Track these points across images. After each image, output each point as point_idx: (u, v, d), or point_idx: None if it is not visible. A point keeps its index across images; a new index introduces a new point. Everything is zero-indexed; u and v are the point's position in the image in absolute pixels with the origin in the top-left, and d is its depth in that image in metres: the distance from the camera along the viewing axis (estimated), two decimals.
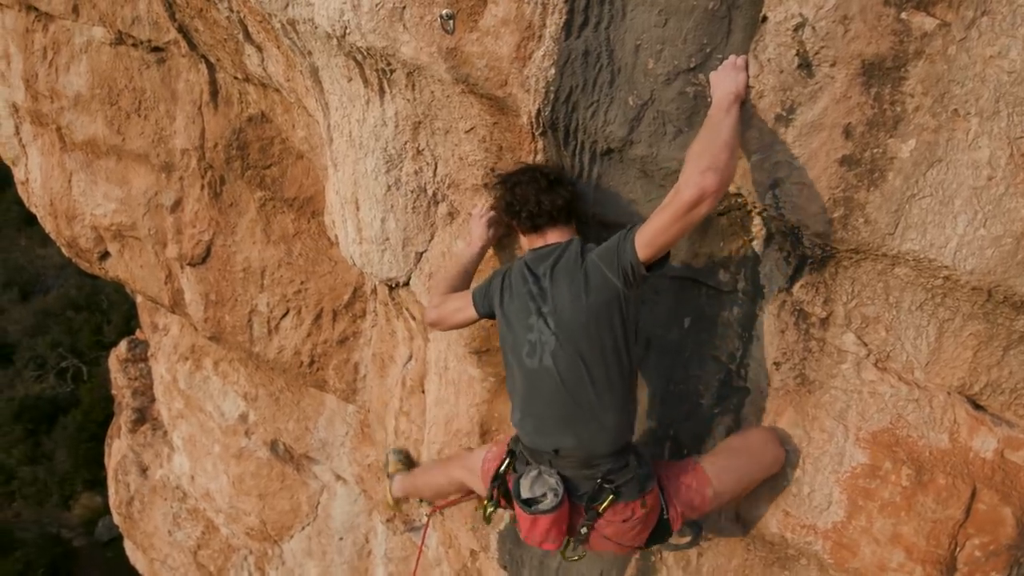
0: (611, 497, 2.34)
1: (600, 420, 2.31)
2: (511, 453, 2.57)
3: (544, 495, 2.34)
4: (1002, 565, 2.36)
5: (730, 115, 2.06)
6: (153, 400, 7.36)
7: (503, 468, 2.57)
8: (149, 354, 7.37)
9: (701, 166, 2.00)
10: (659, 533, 2.49)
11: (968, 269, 2.05)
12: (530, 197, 2.38)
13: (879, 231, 2.12)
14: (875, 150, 2.05)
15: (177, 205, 4.52)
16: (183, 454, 6.63)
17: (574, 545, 2.47)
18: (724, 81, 2.11)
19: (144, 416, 7.40)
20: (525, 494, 2.37)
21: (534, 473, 2.38)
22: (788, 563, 2.76)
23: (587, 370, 2.28)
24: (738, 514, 2.78)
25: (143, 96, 4.34)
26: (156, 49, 4.17)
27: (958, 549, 2.38)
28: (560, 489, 2.33)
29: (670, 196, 2.08)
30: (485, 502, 2.66)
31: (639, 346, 2.65)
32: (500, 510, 2.72)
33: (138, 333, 8.03)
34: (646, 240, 2.14)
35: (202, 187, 4.36)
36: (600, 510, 2.35)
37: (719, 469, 2.50)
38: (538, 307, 2.33)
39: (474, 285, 2.66)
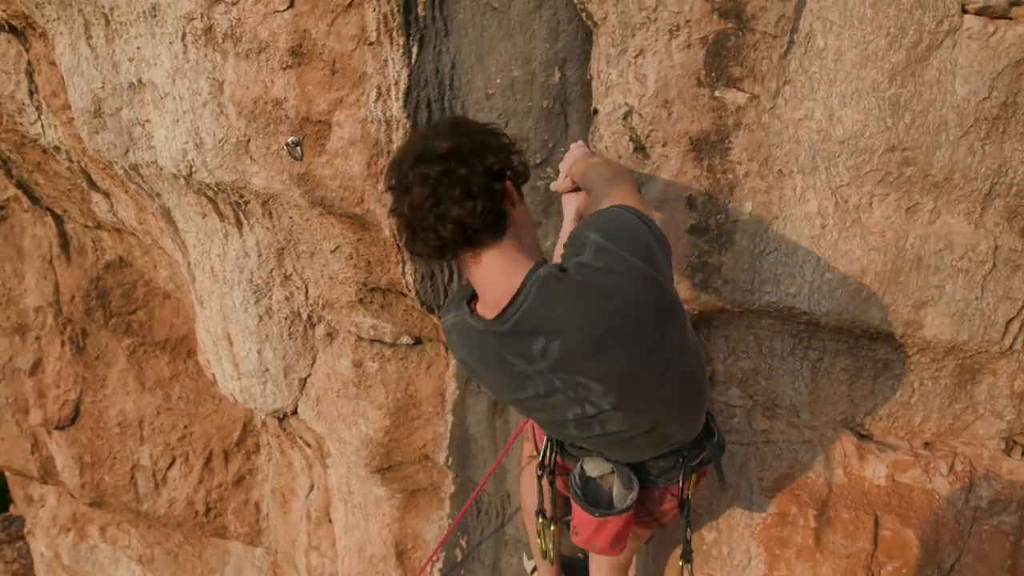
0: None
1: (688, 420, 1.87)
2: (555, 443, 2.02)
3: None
4: None
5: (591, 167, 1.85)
6: None
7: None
8: (26, 531, 6.65)
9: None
10: None
11: (824, 311, 2.18)
12: (426, 212, 1.43)
13: (739, 288, 2.23)
14: (718, 216, 2.17)
15: (36, 367, 4.20)
16: None
17: None
18: (569, 161, 2.19)
19: None
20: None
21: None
22: None
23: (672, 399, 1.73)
24: None
25: None
26: None
27: None
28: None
29: (607, 192, 1.64)
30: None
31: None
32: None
33: (12, 509, 7.30)
34: (642, 203, 1.61)
35: (63, 343, 4.07)
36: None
37: None
38: (580, 399, 1.63)
39: None
